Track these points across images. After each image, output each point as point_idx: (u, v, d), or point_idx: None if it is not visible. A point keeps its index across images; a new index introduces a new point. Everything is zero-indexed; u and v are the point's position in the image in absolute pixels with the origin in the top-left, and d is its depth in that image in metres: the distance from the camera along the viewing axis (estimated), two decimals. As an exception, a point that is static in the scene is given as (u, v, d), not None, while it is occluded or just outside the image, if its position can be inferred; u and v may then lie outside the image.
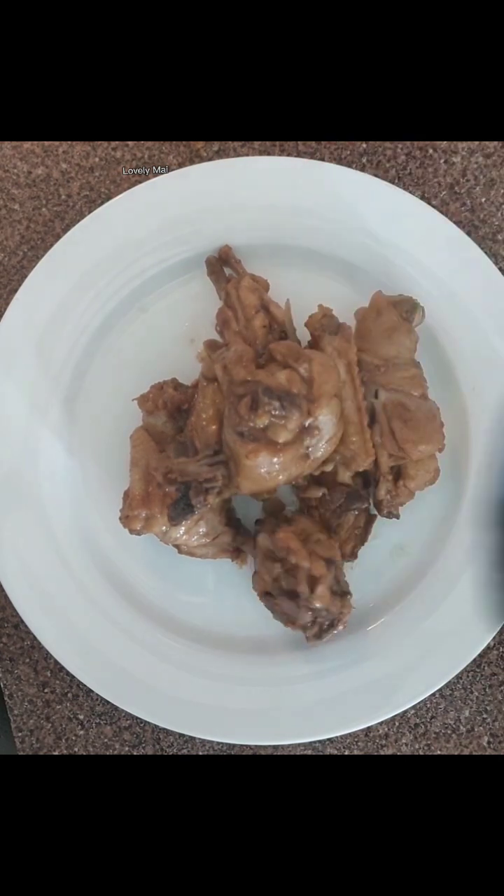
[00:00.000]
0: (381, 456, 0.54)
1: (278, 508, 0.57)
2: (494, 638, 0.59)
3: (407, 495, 0.55)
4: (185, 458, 0.53)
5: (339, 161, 0.65)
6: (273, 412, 0.50)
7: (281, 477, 0.52)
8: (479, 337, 0.59)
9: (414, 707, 0.60)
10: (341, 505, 0.55)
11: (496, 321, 0.59)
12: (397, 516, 0.56)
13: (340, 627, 0.53)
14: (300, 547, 0.52)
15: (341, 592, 0.53)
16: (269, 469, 0.51)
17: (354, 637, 0.58)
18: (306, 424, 0.51)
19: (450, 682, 0.57)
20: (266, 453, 0.50)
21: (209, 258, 0.61)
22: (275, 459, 0.50)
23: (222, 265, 0.61)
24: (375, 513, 0.57)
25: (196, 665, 0.58)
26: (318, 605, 0.51)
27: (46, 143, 0.65)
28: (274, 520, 0.56)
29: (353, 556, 0.57)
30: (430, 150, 0.65)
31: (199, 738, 0.61)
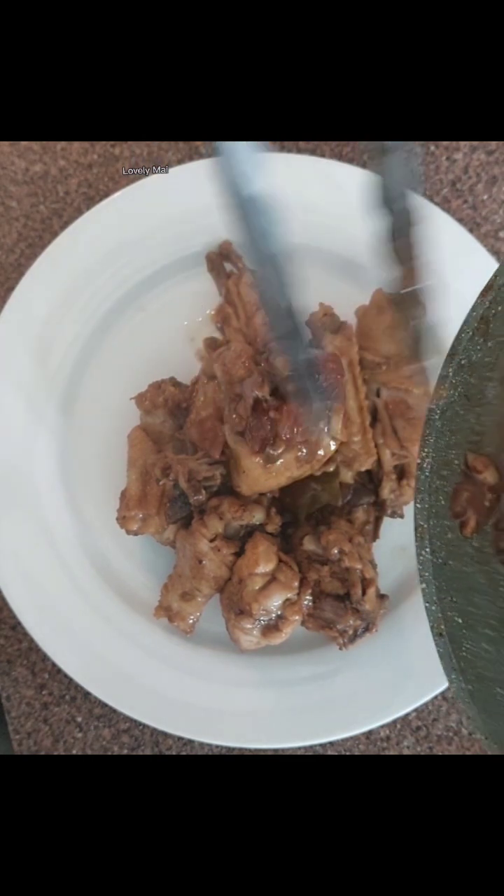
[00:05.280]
0: (383, 455, 0.53)
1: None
2: (497, 639, 0.58)
3: (411, 494, 0.54)
4: (184, 455, 0.53)
5: (340, 157, 0.64)
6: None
7: (281, 477, 0.51)
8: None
9: (416, 709, 0.60)
10: (350, 501, 0.54)
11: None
12: (401, 516, 0.55)
13: (374, 631, 0.53)
14: (353, 549, 0.51)
15: (380, 595, 0.53)
16: (269, 469, 0.50)
17: (356, 639, 0.57)
18: (307, 424, 0.50)
19: (452, 684, 0.57)
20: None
21: (209, 253, 0.60)
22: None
23: (223, 261, 0.60)
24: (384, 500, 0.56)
25: (195, 667, 0.57)
26: (367, 607, 0.51)
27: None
28: (306, 523, 0.55)
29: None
30: (432, 147, 0.65)
31: (199, 741, 0.60)
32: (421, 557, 0.34)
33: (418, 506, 0.34)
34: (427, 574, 0.33)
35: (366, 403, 0.53)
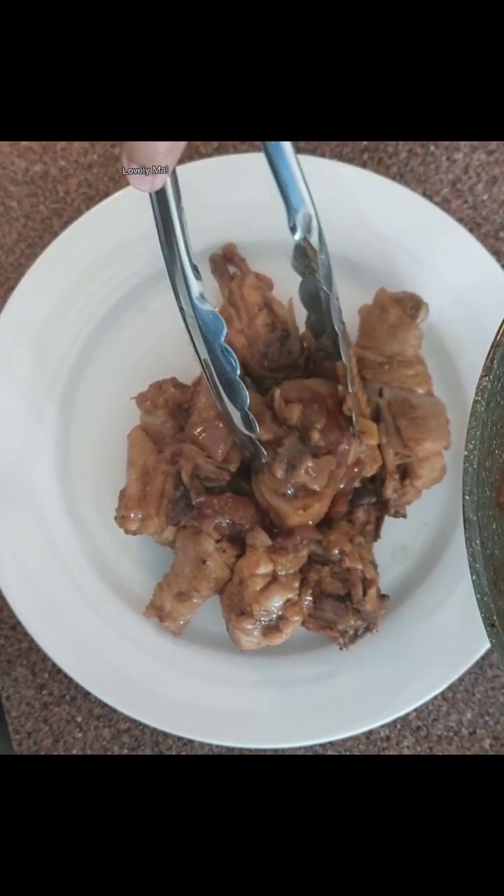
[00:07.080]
0: (386, 455, 0.53)
1: None
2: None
3: (414, 494, 0.54)
4: (196, 449, 0.53)
5: (341, 158, 0.64)
6: (274, 413, 0.49)
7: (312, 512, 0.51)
8: (482, 333, 0.58)
9: (416, 709, 0.60)
10: (350, 501, 0.54)
11: (498, 317, 0.58)
12: (404, 515, 0.55)
13: (375, 631, 0.53)
14: (353, 550, 0.52)
15: (381, 595, 0.53)
16: (294, 505, 0.51)
17: (356, 639, 0.57)
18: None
19: (452, 684, 0.57)
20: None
21: (213, 255, 0.60)
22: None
23: (226, 263, 0.60)
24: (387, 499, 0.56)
25: (196, 667, 0.57)
26: (368, 607, 0.51)
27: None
28: None
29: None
30: (432, 148, 0.65)
31: (199, 741, 0.60)
32: (471, 549, 0.34)
33: (467, 498, 0.34)
34: (478, 565, 0.33)
35: (367, 402, 0.53)
